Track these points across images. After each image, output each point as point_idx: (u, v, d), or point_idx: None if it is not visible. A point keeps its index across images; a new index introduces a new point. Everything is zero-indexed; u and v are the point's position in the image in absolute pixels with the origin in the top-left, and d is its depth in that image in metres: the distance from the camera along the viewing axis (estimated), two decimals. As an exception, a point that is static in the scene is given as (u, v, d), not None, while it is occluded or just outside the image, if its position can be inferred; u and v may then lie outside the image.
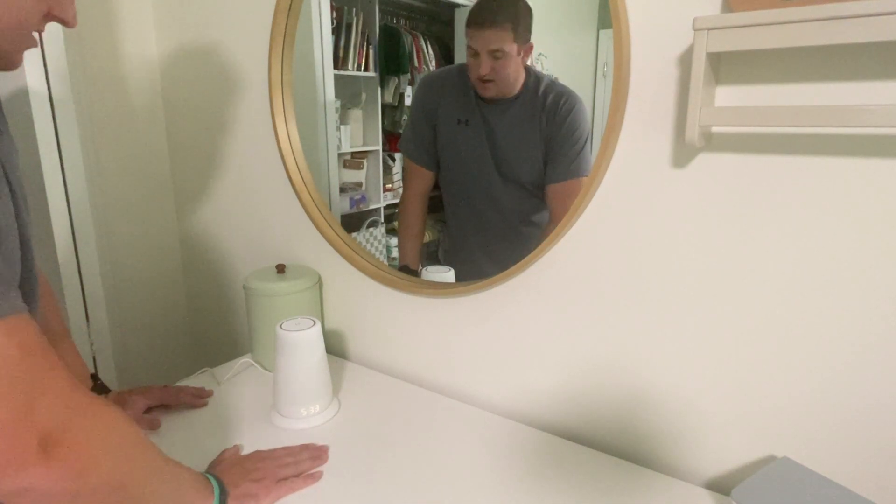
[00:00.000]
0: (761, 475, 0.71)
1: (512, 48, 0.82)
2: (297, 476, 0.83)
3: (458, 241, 1.06)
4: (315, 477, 0.84)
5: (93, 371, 0.98)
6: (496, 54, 0.84)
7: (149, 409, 0.99)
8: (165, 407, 1.02)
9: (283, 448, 0.88)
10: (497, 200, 0.95)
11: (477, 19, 0.85)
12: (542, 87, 0.84)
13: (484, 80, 0.87)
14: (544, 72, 0.86)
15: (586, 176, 0.84)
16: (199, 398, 1.05)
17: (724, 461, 0.85)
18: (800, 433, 0.78)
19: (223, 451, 0.88)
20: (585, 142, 0.84)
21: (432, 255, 1.12)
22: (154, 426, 0.96)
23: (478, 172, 0.95)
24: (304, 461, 0.85)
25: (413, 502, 0.80)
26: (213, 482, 0.74)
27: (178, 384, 1.12)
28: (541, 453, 0.91)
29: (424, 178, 1.03)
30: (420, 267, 1.10)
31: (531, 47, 0.83)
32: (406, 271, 1.12)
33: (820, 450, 0.77)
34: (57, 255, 1.31)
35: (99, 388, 0.96)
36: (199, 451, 0.90)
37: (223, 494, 0.73)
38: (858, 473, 0.75)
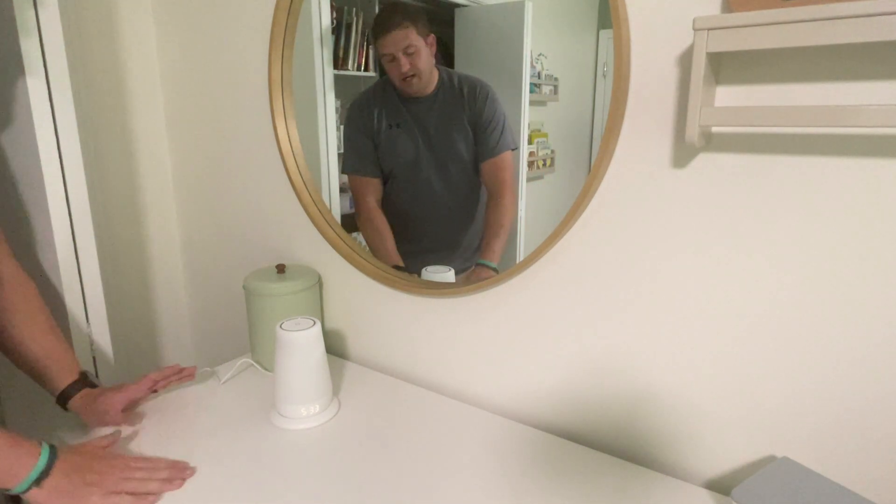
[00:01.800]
0: (761, 475, 0.71)
1: (420, 42, 0.94)
2: (134, 494, 0.77)
3: (409, 243, 1.11)
4: (149, 500, 0.77)
5: (82, 369, 0.98)
6: (409, 50, 0.95)
7: (131, 405, 0.98)
8: (147, 394, 0.99)
9: (145, 459, 0.84)
10: (440, 191, 1.03)
11: (382, 28, 0.97)
12: (455, 80, 0.95)
13: (406, 77, 0.98)
14: (546, 71, 0.90)
15: (513, 148, 0.94)
16: (183, 375, 1.02)
17: (724, 461, 0.85)
18: (800, 433, 0.78)
19: (100, 438, 0.86)
20: (503, 120, 0.94)
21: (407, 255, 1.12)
22: (132, 422, 0.96)
23: (418, 168, 1.04)
24: (153, 481, 0.80)
25: (413, 502, 0.80)
26: (43, 461, 0.71)
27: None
28: (541, 453, 0.91)
29: (373, 187, 1.11)
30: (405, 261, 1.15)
31: (434, 38, 0.94)
32: (398, 269, 1.13)
33: (820, 450, 0.77)
34: (57, 255, 1.31)
35: (88, 384, 0.96)
36: (199, 451, 0.90)
37: (42, 476, 0.71)
38: (858, 473, 0.75)
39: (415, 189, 1.06)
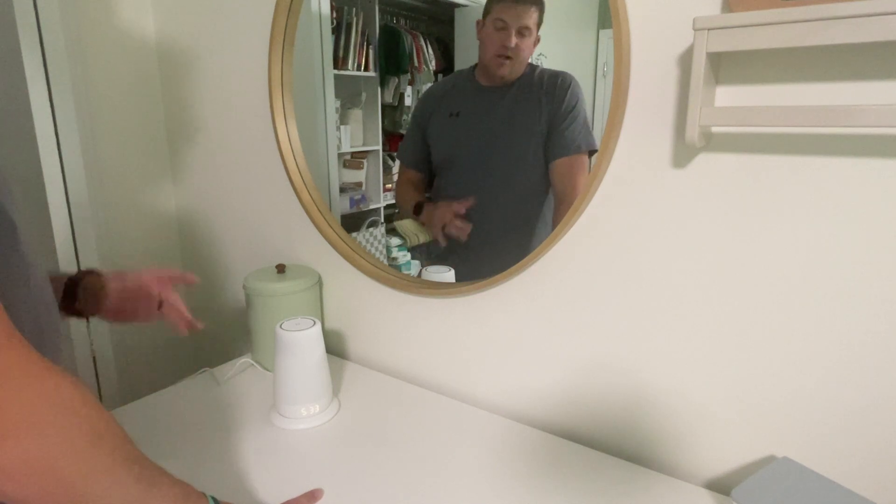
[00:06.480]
0: (761, 475, 0.71)
1: (534, 30, 0.87)
2: None
3: (456, 242, 1.06)
4: None
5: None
6: (523, 31, 0.88)
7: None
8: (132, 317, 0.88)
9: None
10: (495, 190, 0.98)
11: None
12: (537, 72, 0.89)
13: (504, 56, 0.90)
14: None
15: (593, 150, 0.86)
16: (186, 325, 0.93)
17: (724, 461, 0.85)
18: (800, 433, 0.78)
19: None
20: (583, 115, 0.87)
21: (440, 257, 1.12)
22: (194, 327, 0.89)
23: (473, 162, 0.98)
24: None
25: (413, 502, 0.80)
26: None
27: (180, 383, 1.13)
28: (540, 453, 0.91)
29: (411, 179, 1.09)
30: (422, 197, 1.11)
31: (539, 39, 0.88)
32: (418, 209, 1.11)
33: (820, 450, 0.77)
34: (57, 256, 1.31)
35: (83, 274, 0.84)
36: (199, 451, 0.90)
37: None
38: (858, 473, 0.75)
39: (467, 184, 1.00)
